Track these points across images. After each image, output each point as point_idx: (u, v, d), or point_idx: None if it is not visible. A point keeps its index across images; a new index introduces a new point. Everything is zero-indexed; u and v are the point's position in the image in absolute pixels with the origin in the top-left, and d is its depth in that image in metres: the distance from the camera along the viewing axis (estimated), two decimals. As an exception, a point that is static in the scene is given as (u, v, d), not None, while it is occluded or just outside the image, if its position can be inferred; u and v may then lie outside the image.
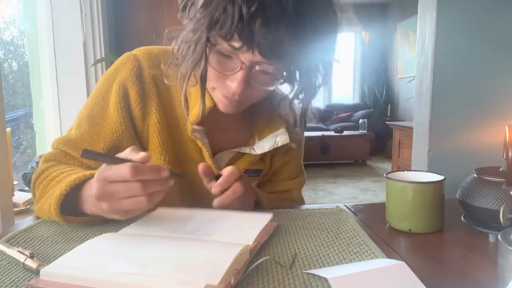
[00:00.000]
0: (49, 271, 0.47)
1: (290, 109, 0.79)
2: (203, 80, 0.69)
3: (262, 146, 0.83)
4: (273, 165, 0.91)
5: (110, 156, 0.59)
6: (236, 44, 0.63)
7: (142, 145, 0.80)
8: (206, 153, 0.79)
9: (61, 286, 0.45)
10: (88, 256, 0.51)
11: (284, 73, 0.71)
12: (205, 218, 0.65)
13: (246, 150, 0.83)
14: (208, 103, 0.75)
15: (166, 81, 0.76)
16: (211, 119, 0.79)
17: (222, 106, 0.74)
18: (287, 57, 0.65)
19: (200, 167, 0.68)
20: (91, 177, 0.64)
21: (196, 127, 0.77)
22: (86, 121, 0.78)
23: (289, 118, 0.82)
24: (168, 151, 0.78)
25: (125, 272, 0.46)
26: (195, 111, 0.76)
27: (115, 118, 0.77)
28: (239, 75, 0.66)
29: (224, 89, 0.70)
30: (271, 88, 0.72)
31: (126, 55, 0.80)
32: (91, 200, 0.61)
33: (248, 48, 0.63)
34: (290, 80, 0.73)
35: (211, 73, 0.70)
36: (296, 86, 0.74)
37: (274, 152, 0.89)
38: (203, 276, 0.43)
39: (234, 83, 0.67)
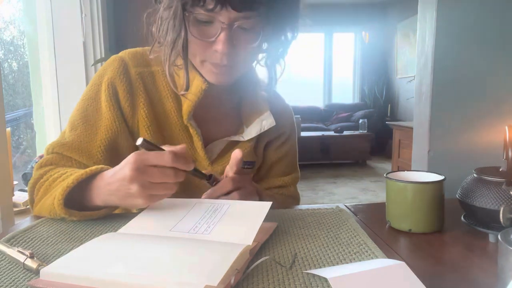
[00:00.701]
0: (49, 271, 0.47)
1: (266, 68, 0.82)
2: (184, 49, 0.72)
3: (250, 132, 0.85)
4: (267, 160, 0.93)
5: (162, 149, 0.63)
6: (210, 5, 0.67)
7: (135, 141, 0.81)
8: (198, 143, 0.82)
9: (61, 286, 0.45)
10: (88, 256, 0.51)
11: (261, 31, 0.73)
12: (203, 210, 0.65)
13: (235, 138, 0.85)
14: (202, 85, 0.77)
15: (150, 56, 0.79)
16: (201, 111, 0.82)
17: (213, 77, 0.76)
18: (258, 8, 0.68)
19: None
20: (101, 170, 0.66)
21: (193, 98, 0.79)
22: (81, 123, 0.79)
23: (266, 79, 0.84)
24: (158, 144, 0.80)
25: (125, 273, 0.46)
26: (185, 93, 0.79)
27: (108, 116, 0.79)
28: (222, 36, 0.69)
29: (212, 56, 0.73)
30: (254, 45, 0.73)
31: (112, 57, 0.83)
32: (109, 187, 0.63)
33: (221, 6, 0.66)
34: (267, 38, 0.76)
35: (196, 46, 0.73)
36: (269, 43, 0.78)
37: (267, 146, 0.92)
38: (202, 277, 0.43)
39: (219, 45, 0.70)
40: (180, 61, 0.76)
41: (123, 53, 0.83)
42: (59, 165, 0.77)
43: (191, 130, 0.81)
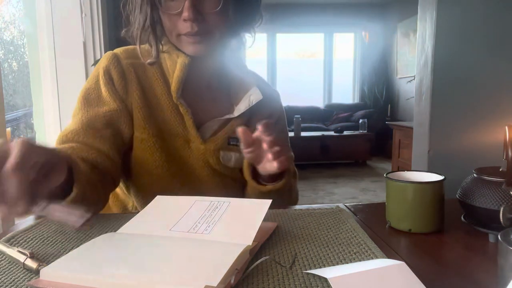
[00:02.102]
0: (49, 271, 0.47)
1: (239, 38, 0.89)
2: (152, 26, 0.80)
3: (239, 108, 0.90)
4: None
5: None
6: None
7: (130, 122, 0.86)
8: (190, 122, 0.86)
9: (61, 286, 0.45)
10: (88, 257, 0.51)
11: None
12: (203, 208, 0.65)
13: (227, 116, 0.90)
14: (185, 60, 0.83)
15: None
16: (191, 93, 0.88)
17: (190, 48, 0.82)
18: None
19: (240, 130, 0.73)
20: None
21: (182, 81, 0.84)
22: (83, 108, 0.84)
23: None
24: (151, 125, 0.85)
25: (125, 273, 0.46)
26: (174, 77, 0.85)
27: (108, 98, 0.84)
28: (186, 3, 0.76)
29: (184, 27, 0.79)
30: (218, 9, 0.78)
31: (105, 54, 0.89)
32: None
33: None
34: (230, 2, 0.80)
35: (169, 24, 0.80)
36: (236, 12, 0.82)
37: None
38: (202, 277, 0.43)
39: (185, 12, 0.77)
40: (165, 47, 0.84)
41: (116, 50, 0.90)
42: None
43: (181, 109, 0.85)
